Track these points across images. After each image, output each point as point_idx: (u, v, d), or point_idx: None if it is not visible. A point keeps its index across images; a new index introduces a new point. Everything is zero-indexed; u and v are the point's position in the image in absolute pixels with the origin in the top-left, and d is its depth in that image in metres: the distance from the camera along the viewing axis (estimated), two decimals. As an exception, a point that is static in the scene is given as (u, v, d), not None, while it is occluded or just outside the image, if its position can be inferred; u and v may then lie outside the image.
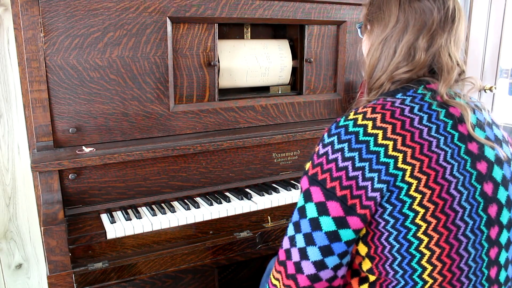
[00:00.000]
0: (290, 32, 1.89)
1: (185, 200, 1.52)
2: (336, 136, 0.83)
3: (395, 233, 0.81)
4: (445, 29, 0.88)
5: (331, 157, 0.82)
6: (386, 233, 0.82)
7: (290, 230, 0.86)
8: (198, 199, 1.54)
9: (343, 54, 1.87)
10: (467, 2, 2.40)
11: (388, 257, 0.83)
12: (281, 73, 1.82)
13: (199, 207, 1.47)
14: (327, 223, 0.81)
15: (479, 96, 2.51)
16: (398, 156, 0.79)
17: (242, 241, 1.43)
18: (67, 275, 1.19)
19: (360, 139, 0.81)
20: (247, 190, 1.63)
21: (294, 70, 1.87)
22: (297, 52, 1.85)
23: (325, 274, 0.83)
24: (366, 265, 0.87)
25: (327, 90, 1.91)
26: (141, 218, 1.39)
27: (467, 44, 2.39)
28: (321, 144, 0.85)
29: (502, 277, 0.86)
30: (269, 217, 1.53)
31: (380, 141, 0.80)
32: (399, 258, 0.82)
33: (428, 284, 0.81)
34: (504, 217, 0.85)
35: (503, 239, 0.85)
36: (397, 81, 0.90)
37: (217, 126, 1.66)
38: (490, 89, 2.45)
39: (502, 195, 0.85)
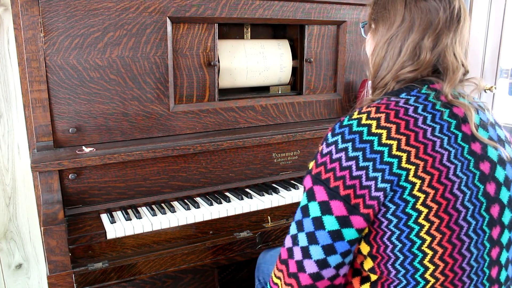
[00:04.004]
0: (290, 32, 1.89)
1: (185, 200, 1.52)
2: (340, 136, 0.83)
3: (397, 232, 0.81)
4: (450, 28, 0.88)
5: (335, 156, 0.82)
6: (389, 232, 0.82)
7: (293, 229, 0.86)
8: (198, 199, 1.54)
9: (343, 54, 1.87)
10: (467, 2, 2.40)
11: (391, 257, 0.83)
12: (281, 73, 1.82)
13: (199, 207, 1.47)
14: (330, 222, 0.81)
15: (479, 96, 2.51)
16: (402, 156, 0.79)
17: (242, 241, 1.43)
18: (67, 275, 1.19)
19: (364, 138, 0.81)
20: (247, 190, 1.63)
21: (294, 70, 1.86)
22: (297, 52, 1.85)
23: (328, 273, 0.83)
24: (368, 264, 0.87)
25: (327, 90, 1.91)
26: (141, 218, 1.39)
27: (467, 44, 2.39)
28: (325, 143, 0.85)
29: (502, 277, 0.86)
30: (269, 217, 1.53)
31: (384, 140, 0.80)
32: (401, 258, 0.82)
33: (430, 284, 0.81)
34: (506, 217, 0.85)
35: (505, 239, 0.85)
36: (402, 80, 0.90)
37: (217, 126, 1.66)
38: (490, 89, 2.45)
39: (504, 195, 0.85)
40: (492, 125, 0.90)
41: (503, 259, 0.85)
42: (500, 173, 0.85)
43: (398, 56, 0.90)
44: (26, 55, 1.33)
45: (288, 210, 1.57)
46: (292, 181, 1.71)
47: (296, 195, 1.59)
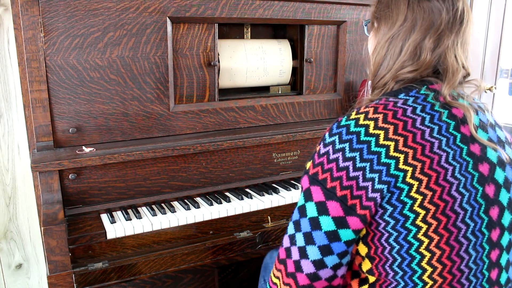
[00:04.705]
0: (290, 32, 1.89)
1: (185, 200, 1.52)
2: (337, 136, 0.83)
3: (395, 234, 0.81)
4: (452, 30, 0.87)
5: (332, 156, 0.82)
6: (386, 234, 0.81)
7: (290, 229, 0.86)
8: (198, 199, 1.54)
9: (343, 54, 1.87)
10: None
11: (388, 258, 0.83)
12: (281, 73, 1.82)
13: (199, 207, 1.47)
14: (326, 223, 0.81)
15: (479, 97, 2.51)
16: (400, 157, 0.79)
17: (242, 241, 1.43)
18: (67, 275, 1.19)
19: (361, 139, 0.81)
20: (247, 190, 1.63)
21: (294, 70, 1.86)
22: (297, 52, 1.85)
23: (325, 273, 0.83)
24: (366, 265, 0.87)
25: (327, 90, 1.91)
26: (141, 218, 1.39)
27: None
28: (322, 143, 0.85)
29: (503, 279, 0.86)
30: (269, 217, 1.53)
31: (381, 141, 0.80)
32: (399, 259, 0.82)
33: (428, 286, 0.81)
34: (506, 219, 0.84)
35: (505, 241, 0.85)
36: (401, 80, 0.89)
37: (217, 126, 1.66)
38: (490, 89, 2.45)
39: (504, 197, 0.84)
40: (492, 126, 0.90)
41: (503, 261, 0.85)
42: (499, 175, 0.84)
43: (398, 55, 0.89)
44: (26, 55, 1.33)
45: (288, 210, 1.57)
46: (292, 181, 1.71)
47: (296, 195, 1.59)
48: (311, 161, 0.86)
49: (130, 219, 1.37)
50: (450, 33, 0.87)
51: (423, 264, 0.80)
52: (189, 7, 1.52)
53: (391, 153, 0.79)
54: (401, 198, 0.79)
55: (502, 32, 2.48)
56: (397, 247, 0.81)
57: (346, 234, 0.81)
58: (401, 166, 0.79)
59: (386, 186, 0.79)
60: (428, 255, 0.80)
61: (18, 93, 1.68)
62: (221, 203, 1.51)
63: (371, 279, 0.87)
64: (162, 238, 1.38)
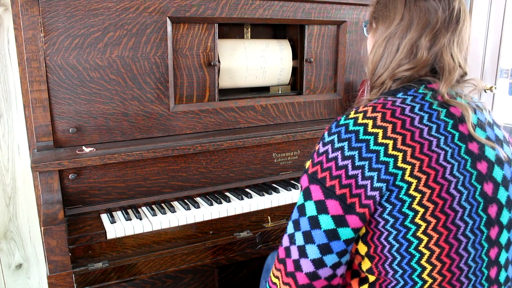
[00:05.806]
0: (290, 32, 1.89)
1: (185, 200, 1.52)
2: (336, 135, 0.83)
3: (394, 232, 0.81)
4: (448, 29, 0.88)
5: (331, 155, 0.82)
6: (386, 233, 0.82)
7: (290, 228, 0.86)
8: (198, 199, 1.54)
9: (343, 54, 1.87)
10: (467, 2, 2.40)
11: (388, 257, 0.83)
12: (281, 73, 1.82)
13: (199, 207, 1.47)
14: (326, 222, 0.81)
15: (479, 96, 2.51)
16: (398, 155, 0.79)
17: (242, 241, 1.43)
18: (67, 275, 1.19)
19: (360, 138, 0.81)
20: (247, 190, 1.63)
21: (294, 70, 1.86)
22: (297, 52, 1.85)
23: (324, 273, 0.83)
24: (366, 264, 0.87)
25: (327, 90, 1.91)
26: (141, 218, 1.39)
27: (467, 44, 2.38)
28: (321, 142, 0.86)
29: (502, 277, 0.86)
30: (269, 217, 1.53)
31: (380, 140, 0.80)
32: (399, 258, 0.82)
33: (428, 284, 0.81)
34: (504, 218, 0.85)
35: (503, 239, 0.85)
36: (399, 79, 0.90)
37: (217, 126, 1.66)
38: (490, 89, 2.45)
39: (502, 195, 0.85)
40: (490, 125, 0.90)
41: (502, 260, 0.85)
42: (497, 173, 0.85)
43: (395, 54, 0.90)
44: (26, 55, 1.33)
45: (288, 210, 1.57)
46: (292, 181, 1.71)
47: (296, 195, 1.59)
48: (310, 160, 0.86)
49: (130, 219, 1.37)
50: (446, 32, 0.88)
51: (423, 262, 0.80)
52: (189, 7, 1.52)
53: (390, 151, 0.79)
54: (400, 196, 0.79)
55: (502, 32, 2.48)
56: (397, 245, 0.81)
57: (345, 233, 0.81)
58: (399, 164, 0.79)
59: (385, 184, 0.79)
60: (427, 253, 0.80)
61: (18, 93, 1.68)
62: (221, 203, 1.51)
63: (371, 278, 0.87)
64: (162, 238, 1.38)
